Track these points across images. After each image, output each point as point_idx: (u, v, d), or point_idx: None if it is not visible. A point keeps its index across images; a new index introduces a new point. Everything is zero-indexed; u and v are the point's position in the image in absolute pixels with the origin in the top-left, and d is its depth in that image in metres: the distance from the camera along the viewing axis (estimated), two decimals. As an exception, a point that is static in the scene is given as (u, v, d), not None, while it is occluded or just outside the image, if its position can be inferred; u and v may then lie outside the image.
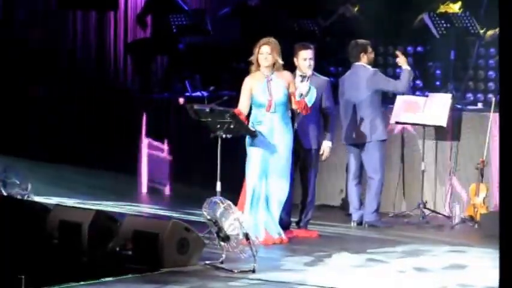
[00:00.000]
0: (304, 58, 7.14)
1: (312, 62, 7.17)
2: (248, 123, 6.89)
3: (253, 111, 6.94)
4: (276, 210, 6.88)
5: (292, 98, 6.88)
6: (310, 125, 7.19)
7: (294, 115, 7.07)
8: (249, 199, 6.85)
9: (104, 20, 10.42)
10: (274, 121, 6.87)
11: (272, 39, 6.88)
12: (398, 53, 7.95)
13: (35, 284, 5.09)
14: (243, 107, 6.90)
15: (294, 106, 6.91)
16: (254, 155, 6.88)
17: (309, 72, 7.13)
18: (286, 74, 6.94)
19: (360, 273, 5.99)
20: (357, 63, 7.78)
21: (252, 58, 6.89)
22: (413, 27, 9.46)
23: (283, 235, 6.86)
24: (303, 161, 7.24)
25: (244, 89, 6.93)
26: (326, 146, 7.27)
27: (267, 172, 6.85)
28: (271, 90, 6.85)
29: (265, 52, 6.84)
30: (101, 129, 9.96)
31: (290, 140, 6.93)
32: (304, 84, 6.82)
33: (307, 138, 7.19)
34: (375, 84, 7.69)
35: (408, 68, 7.77)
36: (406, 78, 7.73)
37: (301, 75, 6.98)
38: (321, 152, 7.26)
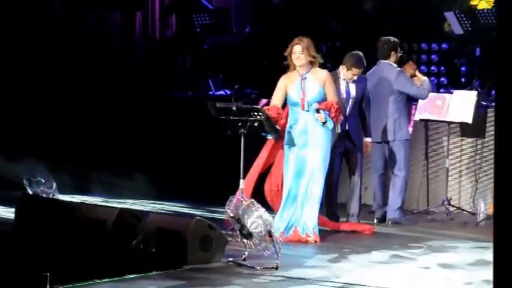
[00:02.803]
0: (353, 74, 7.33)
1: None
2: (285, 120, 6.86)
3: (289, 111, 6.91)
4: (310, 210, 6.80)
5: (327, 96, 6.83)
6: (356, 122, 7.38)
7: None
8: (285, 198, 6.81)
9: (129, 20, 10.43)
10: (309, 120, 6.82)
11: (304, 38, 6.84)
12: (411, 62, 7.87)
13: (59, 281, 5.10)
14: (276, 104, 6.89)
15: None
16: (290, 154, 6.85)
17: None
18: (322, 72, 6.88)
19: (384, 269, 5.93)
20: (383, 61, 7.72)
21: (287, 57, 6.86)
22: (444, 30, 9.38)
23: (311, 235, 6.79)
24: (353, 157, 7.37)
25: (277, 87, 6.92)
26: (368, 141, 7.51)
27: (303, 171, 6.80)
28: (305, 88, 6.82)
29: (298, 52, 6.81)
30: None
31: (326, 139, 6.85)
32: (319, 116, 6.80)
33: (357, 135, 7.38)
34: (399, 84, 7.61)
35: (426, 78, 7.78)
36: (428, 87, 7.69)
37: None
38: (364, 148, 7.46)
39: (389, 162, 7.72)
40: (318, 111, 6.77)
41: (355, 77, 7.34)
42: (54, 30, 9.93)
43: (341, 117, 6.98)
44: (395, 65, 7.72)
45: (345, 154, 7.42)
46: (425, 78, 7.79)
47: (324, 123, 6.79)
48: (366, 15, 9.84)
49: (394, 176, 7.72)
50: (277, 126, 6.89)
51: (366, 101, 7.46)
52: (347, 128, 7.28)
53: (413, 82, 7.72)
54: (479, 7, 9.03)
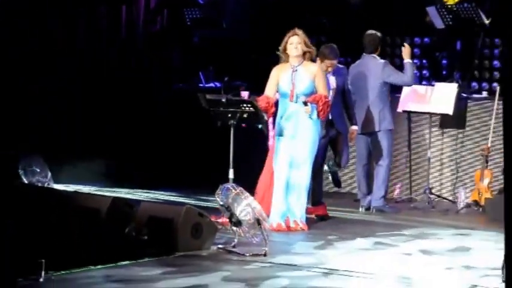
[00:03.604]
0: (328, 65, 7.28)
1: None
2: (274, 111, 6.86)
3: (279, 101, 6.92)
4: (297, 199, 6.82)
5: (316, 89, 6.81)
6: (339, 110, 7.36)
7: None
8: (277, 188, 6.81)
9: (117, 15, 10.38)
10: (298, 111, 6.83)
11: (299, 31, 6.84)
12: (406, 45, 7.89)
13: (54, 267, 5.11)
14: (268, 93, 6.90)
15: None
16: (280, 145, 6.87)
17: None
18: (314, 66, 6.87)
19: (368, 256, 5.97)
20: (367, 54, 7.74)
21: (281, 49, 6.85)
22: (426, 22, 9.40)
23: (300, 223, 6.82)
24: (338, 145, 7.39)
25: (270, 77, 6.93)
26: (354, 129, 7.47)
27: (291, 161, 6.81)
28: (295, 80, 6.82)
29: (295, 42, 6.81)
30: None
31: (314, 131, 6.85)
32: (307, 110, 6.80)
33: (340, 123, 7.37)
34: (385, 75, 7.64)
35: (410, 60, 7.74)
36: (410, 71, 7.70)
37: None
38: (349, 136, 7.43)
39: (374, 152, 7.75)
40: (305, 104, 6.79)
41: (330, 69, 7.25)
42: (53, 30, 9.89)
43: (328, 111, 6.96)
44: (379, 58, 7.75)
45: (330, 142, 7.43)
46: (407, 60, 7.75)
47: (310, 116, 6.79)
48: (351, 11, 9.85)
49: (378, 166, 7.76)
50: (266, 117, 6.89)
51: (347, 92, 7.43)
52: (330, 117, 7.26)
53: (397, 71, 7.75)
54: (449, 2, 9.06)
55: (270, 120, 7.10)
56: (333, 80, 7.36)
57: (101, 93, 9.92)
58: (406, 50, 7.77)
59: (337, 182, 7.65)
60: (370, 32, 7.76)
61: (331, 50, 7.25)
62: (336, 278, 5.29)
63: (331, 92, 7.28)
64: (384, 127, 7.68)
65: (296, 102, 6.84)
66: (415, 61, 9.88)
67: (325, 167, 7.49)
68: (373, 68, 7.66)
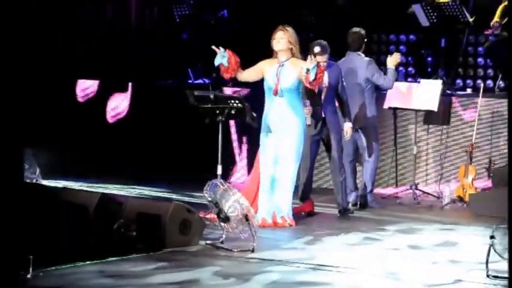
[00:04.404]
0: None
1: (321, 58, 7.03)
2: (233, 73, 6.75)
3: (265, 97, 6.83)
4: (283, 195, 6.72)
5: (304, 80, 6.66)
6: (332, 108, 7.12)
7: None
8: (264, 184, 6.72)
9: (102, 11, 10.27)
10: (283, 106, 6.74)
11: (288, 27, 6.76)
12: (397, 54, 7.79)
13: (42, 264, 5.02)
14: (245, 70, 6.79)
15: (306, 84, 6.68)
16: (265, 140, 6.78)
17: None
18: (301, 63, 6.73)
19: (356, 251, 5.93)
20: (352, 52, 7.67)
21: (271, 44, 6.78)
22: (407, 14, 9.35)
23: (287, 219, 6.73)
24: (330, 143, 7.16)
25: (256, 65, 6.85)
26: (348, 127, 7.20)
27: (277, 157, 6.73)
28: (280, 75, 6.74)
29: (278, 37, 6.74)
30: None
31: (299, 126, 6.74)
32: (310, 60, 6.59)
33: (332, 121, 7.12)
34: (369, 73, 7.58)
35: (393, 68, 7.66)
36: (392, 77, 7.64)
37: (314, 55, 6.70)
38: (344, 133, 7.20)
39: (360, 148, 7.69)
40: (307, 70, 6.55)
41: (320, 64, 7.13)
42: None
43: (321, 81, 6.69)
44: (363, 55, 7.69)
45: (322, 140, 7.24)
46: (391, 67, 7.71)
47: (308, 71, 6.51)
48: (338, 8, 9.80)
49: (365, 162, 7.70)
50: (253, 114, 6.77)
51: (341, 88, 7.22)
52: (323, 115, 7.11)
53: (380, 72, 7.68)
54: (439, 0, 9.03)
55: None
56: (325, 77, 7.25)
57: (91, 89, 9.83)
58: (393, 58, 7.68)
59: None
60: (354, 29, 7.69)
61: (320, 46, 7.13)
62: (324, 273, 5.24)
63: (324, 88, 7.15)
64: (370, 123, 7.63)
65: (281, 96, 6.75)
66: (401, 57, 9.87)
67: None
68: (358, 65, 7.59)
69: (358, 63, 7.59)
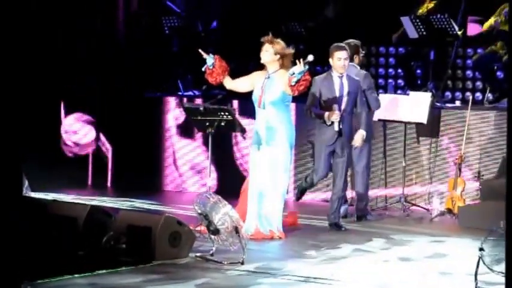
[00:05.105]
0: (339, 58, 7.02)
1: (346, 62, 7.05)
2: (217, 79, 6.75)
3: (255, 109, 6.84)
4: (273, 207, 6.71)
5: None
6: (350, 121, 7.06)
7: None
8: (256, 195, 6.72)
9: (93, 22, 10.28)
10: (269, 118, 6.74)
11: (276, 39, 6.74)
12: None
13: (31, 276, 5.00)
14: (236, 79, 6.81)
15: (287, 87, 6.63)
16: (254, 152, 6.80)
17: (343, 71, 7.03)
18: (286, 75, 6.73)
19: (346, 263, 5.94)
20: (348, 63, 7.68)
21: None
22: (393, 39, 9.43)
23: (276, 232, 6.72)
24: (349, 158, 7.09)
25: (249, 75, 6.86)
26: (360, 133, 7.10)
27: (265, 168, 6.73)
28: (265, 87, 6.76)
29: (264, 49, 6.76)
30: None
31: (286, 137, 6.73)
32: (300, 65, 6.55)
33: (349, 135, 7.06)
34: (364, 85, 7.53)
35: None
36: (380, 104, 7.63)
37: (306, 62, 6.61)
38: (354, 140, 7.07)
39: (355, 160, 7.64)
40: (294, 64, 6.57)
41: (345, 66, 6.97)
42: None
43: (302, 90, 6.64)
44: (359, 67, 7.72)
45: (336, 152, 7.04)
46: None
47: (292, 75, 6.51)
48: (327, 20, 9.85)
49: (361, 174, 7.68)
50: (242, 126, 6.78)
51: (360, 101, 7.11)
52: (340, 127, 6.97)
53: (374, 90, 7.70)
54: (420, 12, 9.09)
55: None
56: (346, 84, 7.04)
57: (80, 100, 9.83)
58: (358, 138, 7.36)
59: (299, 196, 7.47)
60: (346, 41, 7.72)
61: (311, 58, 6.96)
62: (313, 285, 5.25)
63: (344, 98, 7.00)
64: (368, 136, 7.62)
65: (264, 108, 6.76)
66: (390, 70, 9.93)
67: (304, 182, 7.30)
68: (355, 76, 7.57)
69: (355, 74, 7.52)
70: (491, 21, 8.75)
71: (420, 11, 9.22)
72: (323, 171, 7.08)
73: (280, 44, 6.77)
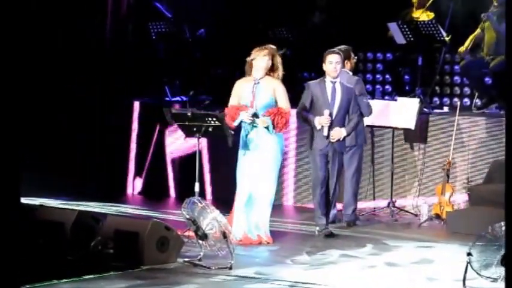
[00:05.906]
0: (330, 62, 7.04)
1: (338, 66, 7.07)
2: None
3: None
4: (261, 213, 6.73)
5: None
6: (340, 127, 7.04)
7: None
8: (244, 202, 6.74)
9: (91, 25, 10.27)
10: (259, 125, 6.75)
11: (270, 46, 6.80)
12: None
13: (19, 281, 4.99)
14: (232, 104, 6.84)
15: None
16: (242, 159, 6.82)
17: (334, 74, 7.04)
18: (275, 81, 6.78)
19: (334, 268, 5.97)
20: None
21: (248, 61, 6.81)
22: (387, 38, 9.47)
23: (264, 237, 6.75)
24: (335, 162, 7.07)
25: (234, 90, 6.89)
26: (339, 130, 7.01)
27: (253, 174, 6.75)
28: (255, 93, 6.80)
29: (261, 55, 6.77)
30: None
31: (275, 144, 6.78)
32: (263, 121, 6.69)
33: (341, 141, 7.06)
34: (357, 90, 7.54)
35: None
36: (371, 108, 7.67)
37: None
38: (332, 133, 6.98)
39: (346, 166, 7.64)
40: (256, 116, 6.69)
41: (337, 69, 6.99)
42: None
43: (287, 125, 6.80)
44: (351, 73, 7.76)
45: (328, 157, 7.05)
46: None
47: (267, 128, 6.71)
48: (315, 26, 9.89)
49: (350, 180, 7.71)
50: (231, 128, 6.81)
51: (353, 108, 7.12)
52: (330, 132, 6.97)
53: (366, 95, 7.74)
54: (420, 19, 9.15)
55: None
56: (337, 90, 7.05)
57: (69, 106, 9.82)
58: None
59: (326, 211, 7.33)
60: (340, 47, 7.74)
61: (329, 51, 7.01)
62: (302, 290, 5.26)
63: (335, 104, 7.00)
64: (360, 141, 7.67)
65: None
66: (378, 76, 9.98)
67: None
68: (347, 82, 7.59)
69: (347, 80, 7.54)
70: (466, 44, 8.88)
71: (414, 15, 9.27)
72: (322, 174, 7.05)
73: (279, 57, 6.82)
